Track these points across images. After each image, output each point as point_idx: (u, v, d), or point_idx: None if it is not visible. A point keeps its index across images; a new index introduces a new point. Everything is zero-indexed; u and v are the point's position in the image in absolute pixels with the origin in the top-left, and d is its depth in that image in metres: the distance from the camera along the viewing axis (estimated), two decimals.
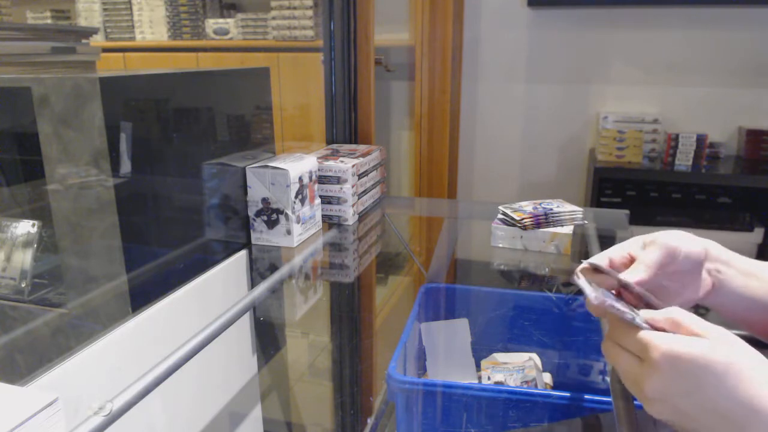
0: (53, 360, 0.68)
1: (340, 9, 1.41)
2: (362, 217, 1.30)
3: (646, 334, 0.46)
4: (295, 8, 2.58)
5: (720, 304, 0.61)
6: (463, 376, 1.24)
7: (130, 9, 2.91)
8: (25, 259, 0.89)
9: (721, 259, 0.59)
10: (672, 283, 0.58)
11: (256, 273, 1.09)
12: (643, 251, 0.57)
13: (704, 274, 0.59)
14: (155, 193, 0.85)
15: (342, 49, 1.43)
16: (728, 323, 0.57)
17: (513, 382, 1.16)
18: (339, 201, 1.21)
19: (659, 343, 0.44)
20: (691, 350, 0.43)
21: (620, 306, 0.49)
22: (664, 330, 0.47)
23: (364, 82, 1.50)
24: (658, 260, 0.55)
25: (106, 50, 1.54)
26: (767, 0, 2.24)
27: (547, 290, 1.25)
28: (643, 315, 0.49)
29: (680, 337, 0.45)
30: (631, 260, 0.58)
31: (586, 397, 0.91)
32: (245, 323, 1.14)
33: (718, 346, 0.44)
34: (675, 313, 0.47)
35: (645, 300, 0.52)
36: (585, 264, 0.55)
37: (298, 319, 1.34)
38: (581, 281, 0.52)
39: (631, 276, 0.54)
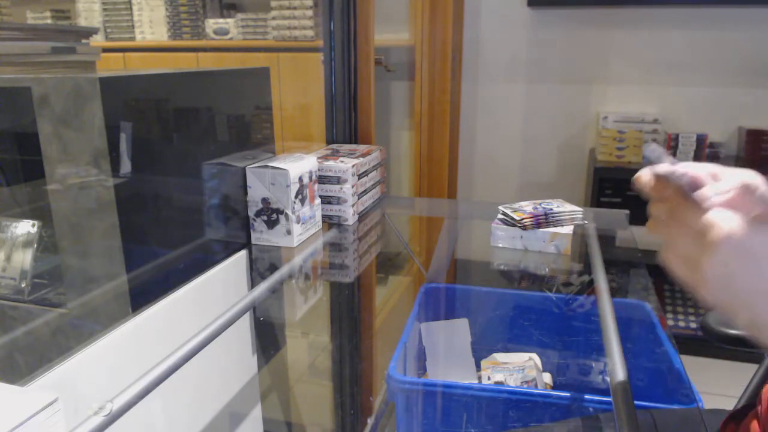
0: (53, 360, 0.68)
1: (340, 9, 1.41)
2: (362, 217, 1.30)
3: (713, 214, 0.47)
4: (295, 8, 2.58)
5: None
6: (463, 376, 1.24)
7: (130, 9, 2.91)
8: (25, 259, 0.89)
9: None
10: None
11: (256, 273, 1.09)
12: (716, 182, 0.53)
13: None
14: (155, 193, 0.85)
15: (342, 49, 1.43)
16: None
17: (513, 382, 1.16)
18: (339, 201, 1.21)
19: (724, 223, 0.45)
20: (755, 231, 0.44)
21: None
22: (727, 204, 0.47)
23: (364, 82, 1.50)
24: (733, 188, 0.51)
25: (106, 50, 1.53)
26: (767, 0, 2.24)
27: (547, 290, 1.25)
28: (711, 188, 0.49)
29: (744, 219, 0.45)
30: (697, 184, 0.54)
31: (586, 397, 0.91)
32: (245, 323, 1.14)
33: None
34: (746, 178, 0.48)
35: None
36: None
37: (298, 319, 1.34)
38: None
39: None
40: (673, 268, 0.51)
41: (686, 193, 0.50)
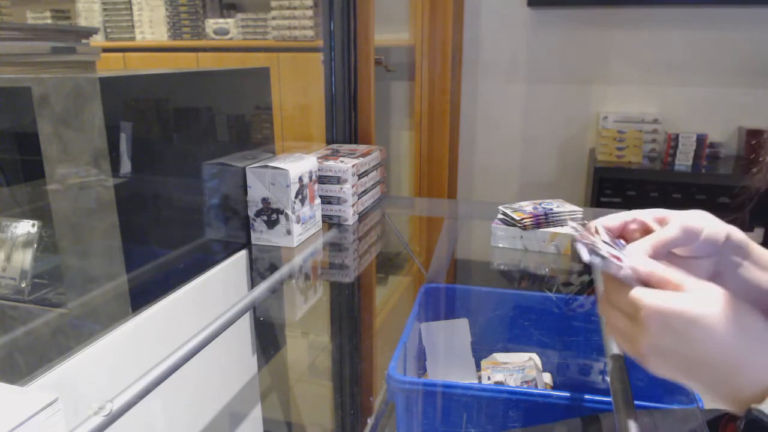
0: (53, 360, 0.68)
1: (340, 9, 1.41)
2: (362, 217, 1.30)
3: (635, 292, 0.47)
4: (295, 8, 2.58)
5: (732, 291, 0.60)
6: (463, 376, 1.24)
7: (130, 9, 2.91)
8: (25, 259, 0.89)
9: (741, 247, 0.56)
10: (679, 263, 0.55)
11: (256, 273, 1.09)
12: (662, 227, 0.54)
13: (716, 260, 0.57)
14: (155, 193, 0.85)
15: (342, 49, 1.43)
16: None
17: (513, 382, 1.16)
18: (339, 201, 1.21)
19: (647, 300, 0.46)
20: (678, 306, 0.44)
21: (610, 259, 0.49)
22: (650, 285, 0.48)
23: (364, 82, 1.50)
24: (673, 240, 0.53)
25: (106, 50, 1.53)
26: (767, 0, 2.24)
27: (547, 290, 1.25)
28: (629, 270, 0.49)
29: (667, 293, 0.46)
30: (644, 229, 0.56)
31: (586, 397, 0.91)
32: (245, 323, 1.14)
33: (704, 300, 0.45)
34: (658, 269, 0.48)
35: None
36: (595, 224, 0.55)
37: (298, 319, 1.34)
38: (577, 237, 0.53)
39: (638, 248, 0.52)
40: (618, 343, 0.51)
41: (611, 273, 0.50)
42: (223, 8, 2.86)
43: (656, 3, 2.35)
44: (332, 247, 1.20)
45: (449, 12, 2.36)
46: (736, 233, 0.57)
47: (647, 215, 0.56)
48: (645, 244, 0.52)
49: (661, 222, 0.56)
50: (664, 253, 0.54)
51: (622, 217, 0.57)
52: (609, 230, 0.56)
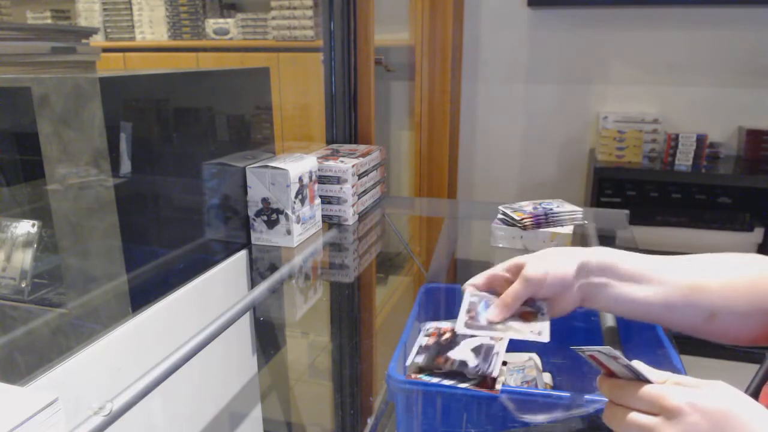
0: (53, 360, 0.68)
1: (340, 9, 1.41)
2: (362, 217, 1.30)
3: (656, 388, 0.46)
4: (295, 8, 2.58)
5: (605, 308, 0.66)
6: None
7: (130, 9, 2.91)
8: (25, 259, 0.89)
9: (603, 268, 0.62)
10: (544, 299, 0.65)
11: (256, 273, 1.09)
12: (510, 286, 0.64)
13: (576, 289, 0.63)
14: (155, 193, 0.85)
15: (342, 49, 1.43)
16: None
17: (513, 382, 1.16)
18: (339, 201, 1.21)
19: (676, 392, 0.45)
20: (709, 397, 0.44)
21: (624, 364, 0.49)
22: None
23: (364, 82, 1.50)
24: (519, 294, 0.63)
25: (106, 50, 1.54)
26: (767, 0, 2.24)
27: None
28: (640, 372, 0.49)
29: (689, 389, 0.45)
30: (505, 280, 0.66)
31: (586, 397, 0.91)
32: (245, 323, 1.14)
33: (730, 395, 0.44)
34: (675, 377, 0.48)
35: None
36: (465, 286, 0.67)
37: (298, 319, 1.34)
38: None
39: (492, 315, 0.64)
40: None
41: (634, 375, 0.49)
42: (223, 8, 2.86)
43: (656, 3, 2.35)
44: (332, 247, 1.20)
45: (449, 12, 2.36)
46: (596, 256, 0.62)
47: (502, 269, 0.67)
48: (497, 309, 0.64)
49: (514, 271, 0.65)
50: (517, 306, 0.64)
51: (485, 274, 0.67)
52: (477, 287, 0.67)
